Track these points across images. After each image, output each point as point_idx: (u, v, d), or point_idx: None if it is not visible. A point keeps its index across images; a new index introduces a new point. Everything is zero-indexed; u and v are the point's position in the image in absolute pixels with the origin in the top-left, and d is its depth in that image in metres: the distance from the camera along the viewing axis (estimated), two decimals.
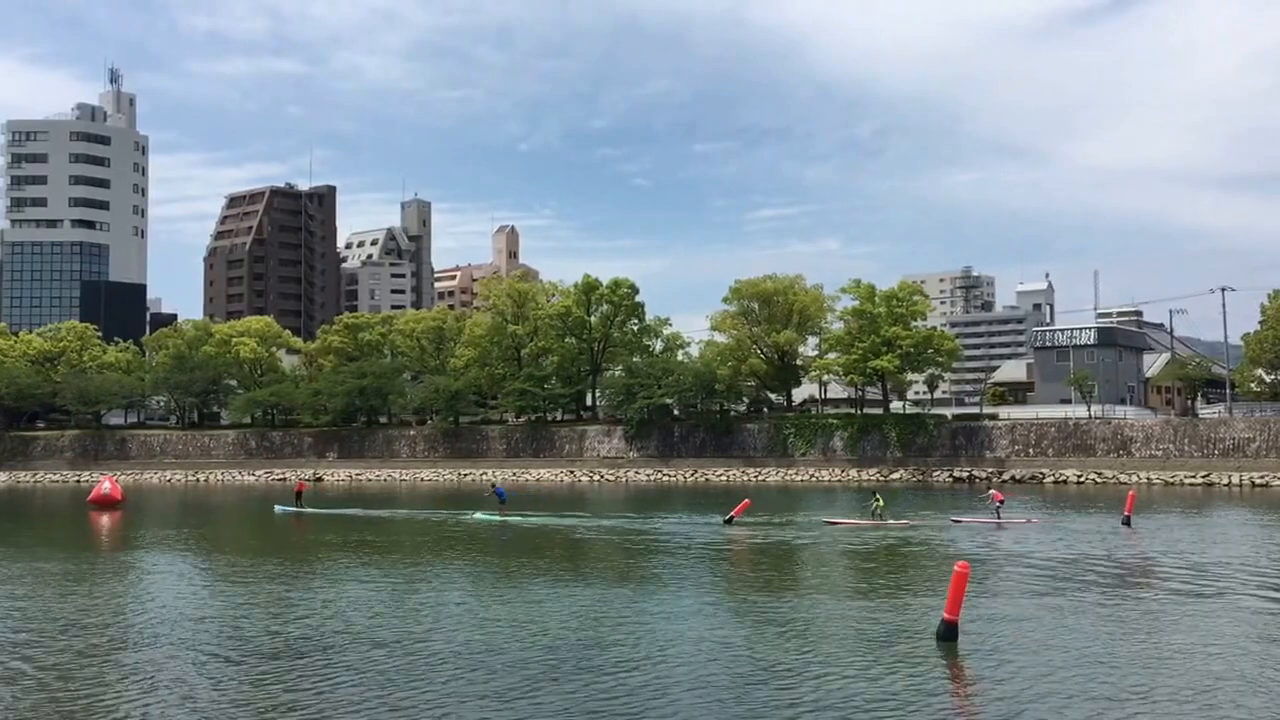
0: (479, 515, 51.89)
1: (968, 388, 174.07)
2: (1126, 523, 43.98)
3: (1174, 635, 21.67)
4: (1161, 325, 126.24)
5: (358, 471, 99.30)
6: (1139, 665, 19.09)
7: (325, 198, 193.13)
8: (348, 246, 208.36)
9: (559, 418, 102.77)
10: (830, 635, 22.07)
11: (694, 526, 46.65)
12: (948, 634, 20.85)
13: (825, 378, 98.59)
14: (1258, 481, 70.82)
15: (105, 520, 57.68)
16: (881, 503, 46.75)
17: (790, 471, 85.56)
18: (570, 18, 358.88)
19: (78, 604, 27.15)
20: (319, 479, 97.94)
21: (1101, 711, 16.22)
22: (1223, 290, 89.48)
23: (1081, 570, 31.28)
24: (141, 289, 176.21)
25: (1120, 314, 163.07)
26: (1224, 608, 24.92)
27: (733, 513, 46.69)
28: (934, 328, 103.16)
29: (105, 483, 70.21)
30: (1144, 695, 17.07)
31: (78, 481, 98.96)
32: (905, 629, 22.50)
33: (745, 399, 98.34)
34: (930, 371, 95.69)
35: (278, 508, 59.26)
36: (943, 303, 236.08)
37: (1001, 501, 47.21)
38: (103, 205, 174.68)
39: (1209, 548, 36.72)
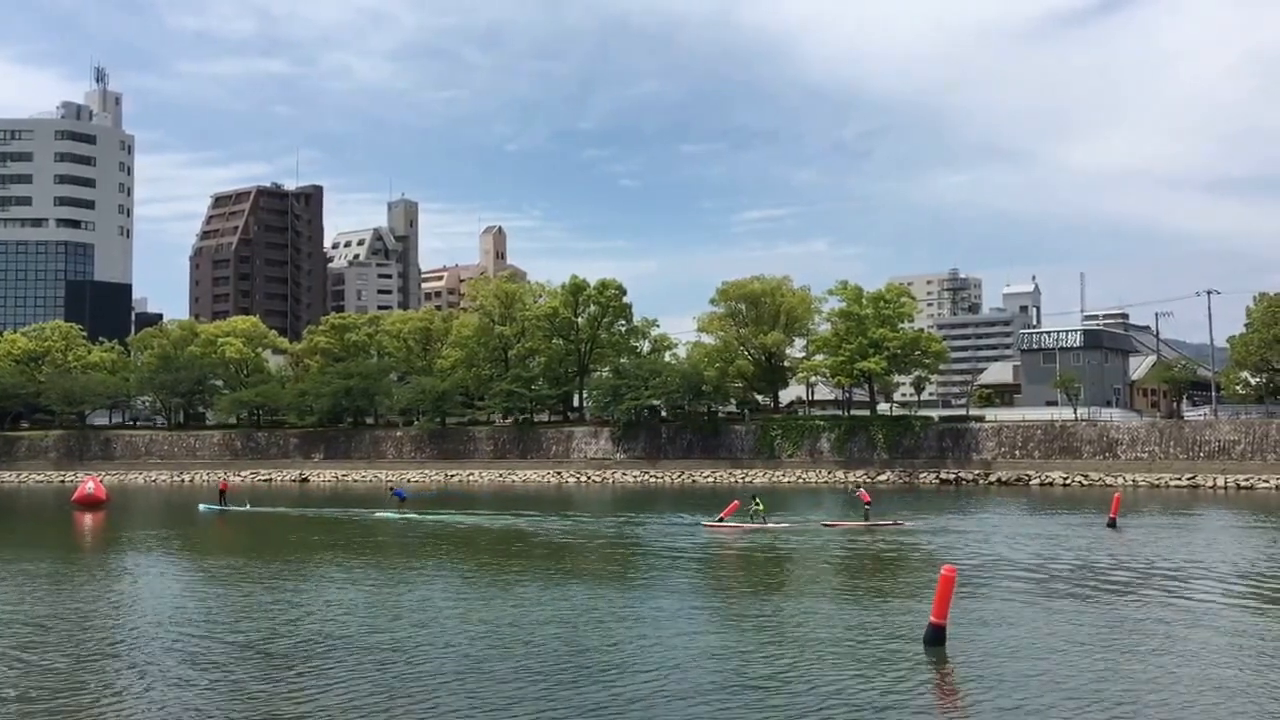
0: (383, 514, 54.97)
1: (954, 390, 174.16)
2: (1112, 525, 44.08)
3: (1161, 639, 21.66)
4: (1148, 328, 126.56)
5: (344, 472, 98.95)
6: (1127, 669, 19.06)
7: (312, 198, 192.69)
8: (334, 247, 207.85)
9: (546, 419, 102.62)
10: (817, 639, 22.01)
11: (679, 528, 46.58)
12: (935, 638, 20.78)
13: (812, 379, 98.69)
14: (1243, 484, 71.04)
15: (89, 520, 57.43)
16: (761, 506, 46.16)
17: (777, 473, 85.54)
18: (559, 19, 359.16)
19: (64, 606, 26.92)
20: (304, 479, 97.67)
21: (1091, 714, 16.19)
22: (1208, 293, 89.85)
23: (1068, 573, 31.30)
24: (127, 289, 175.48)
25: (1106, 317, 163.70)
26: (1211, 611, 24.93)
27: (722, 514, 46.66)
28: (921, 330, 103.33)
29: (89, 483, 69.98)
30: (1133, 698, 17.05)
31: (62, 482, 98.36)
32: (892, 633, 22.44)
33: (733, 400, 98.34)
34: (917, 373, 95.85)
35: (201, 506, 61.43)
36: (930, 305, 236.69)
37: (869, 503, 47.35)
38: (88, 205, 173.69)
39: (1195, 550, 36.79)
